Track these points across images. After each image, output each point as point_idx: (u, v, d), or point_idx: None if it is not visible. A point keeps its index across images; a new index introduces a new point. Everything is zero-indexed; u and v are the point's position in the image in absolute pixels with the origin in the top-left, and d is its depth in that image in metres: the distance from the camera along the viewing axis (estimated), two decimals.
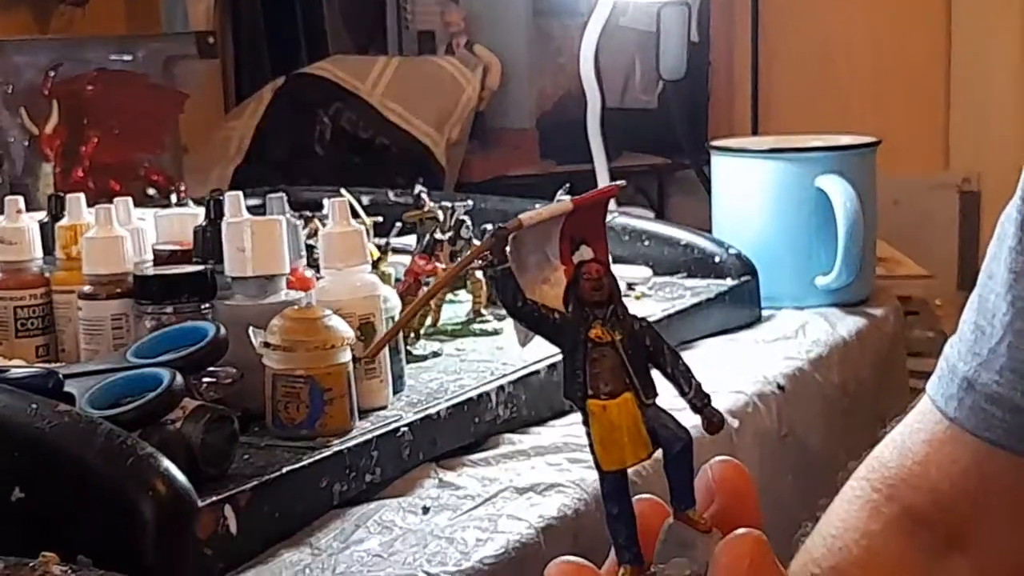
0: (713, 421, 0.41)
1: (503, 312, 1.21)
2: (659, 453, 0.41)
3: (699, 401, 0.42)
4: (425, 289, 1.14)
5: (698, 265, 1.40)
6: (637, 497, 0.43)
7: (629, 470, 0.42)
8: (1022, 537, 0.75)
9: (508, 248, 0.41)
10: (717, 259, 1.39)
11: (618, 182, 0.44)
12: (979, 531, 0.76)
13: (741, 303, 1.36)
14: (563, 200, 0.43)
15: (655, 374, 0.42)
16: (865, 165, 1.43)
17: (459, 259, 1.19)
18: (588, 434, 0.42)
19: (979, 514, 0.76)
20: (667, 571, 0.42)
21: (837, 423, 1.29)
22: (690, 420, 0.42)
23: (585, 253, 0.42)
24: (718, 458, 0.43)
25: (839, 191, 1.36)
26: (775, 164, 1.42)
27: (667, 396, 0.42)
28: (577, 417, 1.06)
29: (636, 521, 0.42)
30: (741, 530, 0.39)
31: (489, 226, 1.27)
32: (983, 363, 0.74)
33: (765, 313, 1.38)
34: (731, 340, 1.30)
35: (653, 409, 0.41)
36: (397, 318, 1.00)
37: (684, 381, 0.42)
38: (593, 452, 0.42)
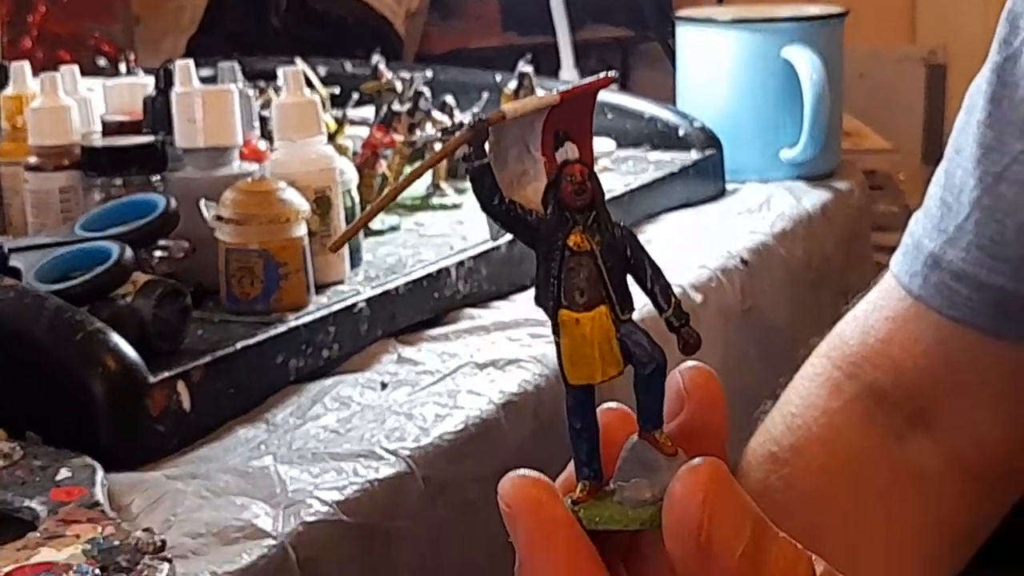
0: (689, 342, 0.39)
1: (462, 186, 1.20)
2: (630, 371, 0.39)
3: (677, 320, 0.39)
4: (384, 163, 1.12)
5: (662, 138, 1.38)
6: (604, 406, 0.41)
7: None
8: (984, 415, 0.75)
9: (487, 141, 0.38)
10: (681, 132, 1.37)
11: (609, 73, 0.41)
12: (941, 409, 0.75)
13: (705, 176, 1.34)
14: (549, 92, 0.40)
15: (633, 288, 0.40)
16: (832, 36, 1.41)
17: (424, 144, 1.16)
18: (557, 345, 0.39)
19: (942, 392, 0.75)
20: (626, 491, 0.40)
21: (801, 297, 1.28)
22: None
23: (569, 151, 0.40)
24: (689, 363, 0.41)
25: (806, 62, 1.34)
26: (741, 34, 1.39)
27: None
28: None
29: (599, 437, 0.40)
30: (697, 460, 0.37)
31: (449, 97, 1.25)
32: (949, 240, 0.73)
33: (730, 187, 1.37)
34: (695, 214, 1.29)
35: (628, 325, 0.39)
36: (354, 191, 0.98)
37: (663, 297, 0.39)
38: (561, 364, 0.39)
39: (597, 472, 0.40)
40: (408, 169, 1.17)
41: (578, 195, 0.39)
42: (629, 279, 0.39)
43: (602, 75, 0.41)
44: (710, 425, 0.41)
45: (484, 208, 0.39)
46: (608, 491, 0.40)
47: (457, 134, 0.38)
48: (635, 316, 0.39)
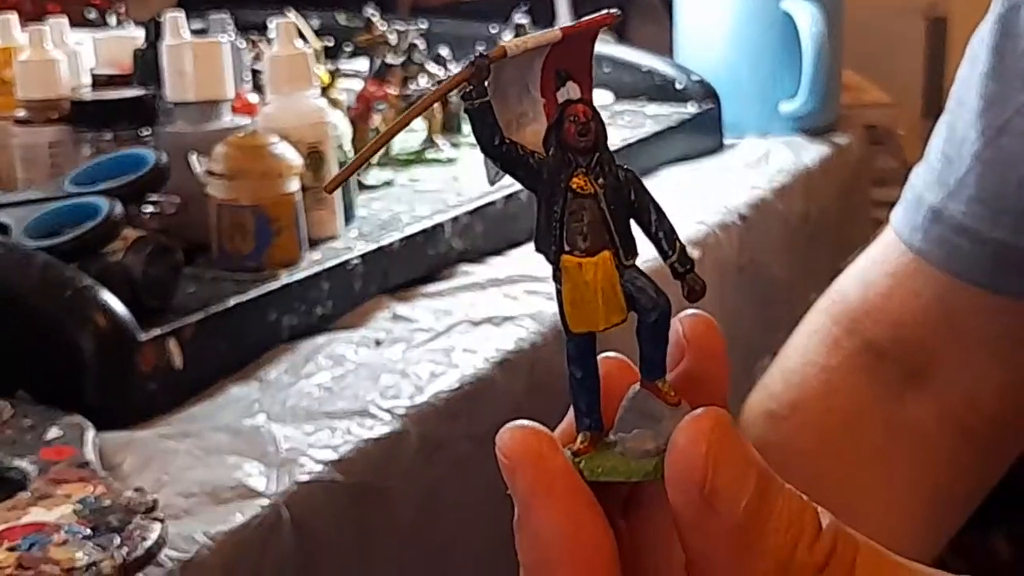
0: (695, 288, 0.38)
1: (458, 140, 1.19)
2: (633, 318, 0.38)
3: (682, 266, 0.38)
4: (378, 116, 1.11)
5: (659, 91, 1.36)
6: (603, 356, 0.40)
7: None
8: (981, 372, 0.74)
9: (488, 79, 0.37)
10: (679, 85, 1.35)
11: (612, 10, 0.40)
12: (940, 365, 0.75)
13: (704, 130, 1.33)
14: (551, 28, 0.39)
15: (636, 232, 0.39)
16: None
17: (418, 97, 1.15)
18: (558, 292, 0.38)
19: (940, 348, 0.74)
20: (628, 442, 0.39)
21: (799, 253, 1.27)
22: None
23: (571, 91, 0.38)
24: (690, 311, 0.40)
25: (805, 14, 1.32)
26: None
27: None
28: (534, 248, 1.05)
29: (600, 386, 0.39)
30: (700, 410, 0.36)
31: (444, 50, 1.23)
32: (950, 193, 0.72)
33: (728, 141, 1.36)
34: (693, 168, 1.28)
35: (632, 271, 0.38)
36: (347, 146, 0.96)
37: (668, 242, 0.38)
38: (562, 312, 0.38)
39: (598, 423, 0.39)
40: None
41: (581, 136, 0.38)
42: (632, 223, 0.38)
43: (604, 12, 0.39)
44: (711, 375, 0.40)
45: (484, 149, 0.38)
46: (609, 442, 0.39)
47: (458, 71, 0.37)
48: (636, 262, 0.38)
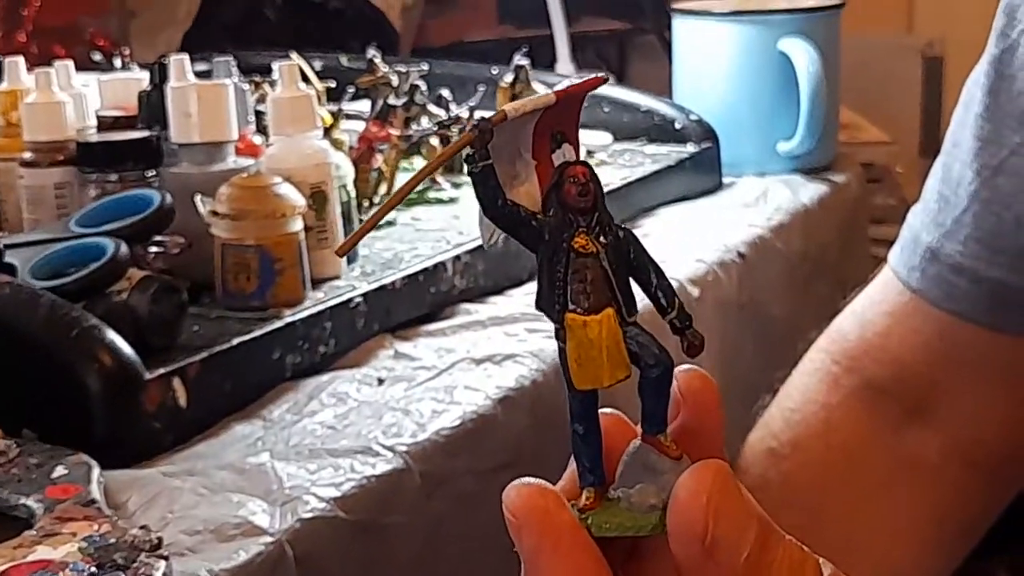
0: (694, 344, 0.39)
1: (459, 180, 1.19)
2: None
3: (680, 321, 0.39)
4: (380, 157, 1.12)
5: (658, 131, 1.37)
6: (600, 412, 0.41)
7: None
8: (982, 407, 0.75)
9: (491, 142, 0.38)
10: (678, 125, 1.36)
11: (601, 74, 0.41)
12: (940, 403, 0.75)
13: (702, 170, 1.34)
14: (546, 92, 0.39)
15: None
16: (829, 28, 1.40)
17: (420, 138, 1.16)
18: (561, 350, 0.39)
19: (940, 386, 0.75)
20: (633, 496, 0.39)
21: (798, 291, 1.28)
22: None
23: (567, 152, 0.39)
24: (685, 367, 0.40)
25: (802, 54, 1.33)
26: (737, 27, 1.38)
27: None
28: (535, 287, 1.05)
29: (602, 442, 0.40)
30: (699, 463, 0.37)
31: (445, 91, 1.24)
32: (947, 233, 0.73)
33: (726, 180, 1.36)
34: (692, 207, 1.29)
35: (634, 327, 0.38)
36: (349, 186, 0.97)
37: (667, 299, 0.39)
38: (566, 369, 0.39)
39: (601, 478, 0.40)
40: (405, 164, 1.16)
41: (581, 196, 0.38)
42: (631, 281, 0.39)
43: (594, 75, 0.40)
44: (706, 428, 0.41)
45: (487, 210, 0.38)
46: (613, 497, 0.39)
47: (459, 135, 0.38)
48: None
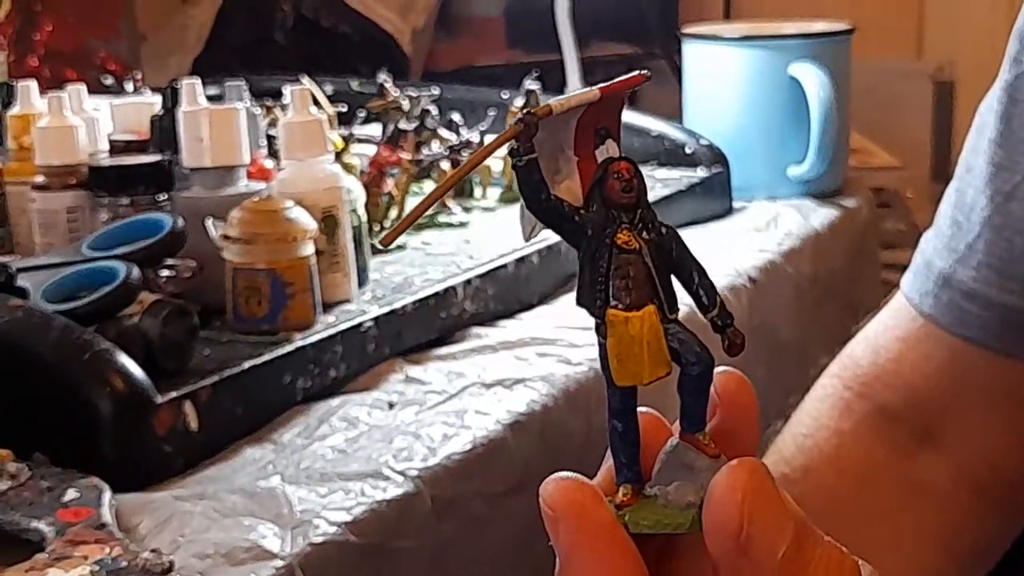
0: (735, 342, 0.38)
1: (470, 204, 1.20)
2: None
3: (721, 320, 0.38)
4: (391, 181, 1.12)
5: (669, 155, 1.37)
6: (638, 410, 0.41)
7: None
8: (994, 433, 0.75)
9: (535, 136, 0.38)
10: (688, 149, 1.36)
11: (643, 71, 0.41)
12: (952, 428, 0.75)
13: (712, 194, 1.34)
14: (590, 88, 0.39)
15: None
16: (839, 53, 1.41)
17: (431, 163, 1.16)
18: (602, 346, 0.38)
19: (953, 411, 0.75)
20: (670, 494, 0.39)
21: (809, 315, 1.28)
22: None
23: (610, 149, 0.39)
24: (721, 368, 0.40)
25: (813, 79, 1.33)
26: (747, 51, 1.39)
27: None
28: (545, 310, 1.06)
29: (640, 439, 0.40)
30: (735, 461, 0.37)
31: (456, 115, 1.25)
32: (960, 259, 0.72)
33: (737, 204, 1.37)
34: (702, 231, 1.29)
35: (675, 325, 0.38)
36: (360, 210, 0.98)
37: (708, 298, 0.39)
38: (606, 366, 0.38)
39: (638, 475, 0.40)
40: (415, 188, 1.17)
41: (625, 193, 0.38)
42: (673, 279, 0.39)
43: (636, 72, 0.40)
44: (742, 430, 0.41)
45: (530, 205, 0.38)
46: (650, 495, 0.39)
47: (506, 129, 0.38)
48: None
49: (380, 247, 0.95)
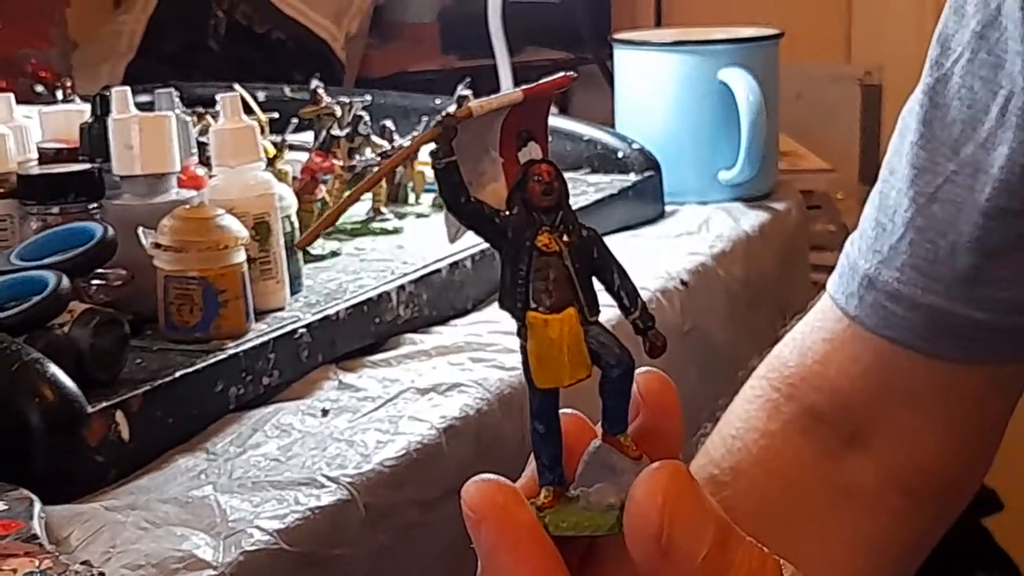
0: (657, 344, 0.39)
1: (403, 210, 1.20)
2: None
3: (643, 322, 0.39)
4: (323, 188, 1.12)
5: (601, 160, 1.38)
6: (561, 412, 0.41)
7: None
8: (921, 434, 0.76)
9: (455, 138, 0.38)
10: (620, 154, 1.37)
11: (569, 73, 0.41)
12: (880, 429, 0.76)
13: (644, 198, 1.35)
14: (513, 90, 0.39)
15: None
16: (768, 58, 1.42)
17: (363, 169, 1.16)
18: (523, 348, 0.38)
19: (880, 412, 0.76)
20: (591, 496, 0.39)
21: (740, 317, 1.29)
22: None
23: (533, 151, 0.39)
24: (643, 368, 0.41)
25: (742, 84, 1.35)
26: (677, 57, 1.40)
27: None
28: (480, 316, 1.06)
29: (562, 441, 0.40)
30: (656, 463, 0.37)
31: (388, 122, 1.24)
32: (884, 260, 0.74)
33: (668, 208, 1.38)
34: (634, 236, 1.30)
35: (596, 327, 0.39)
36: (293, 217, 0.97)
37: (630, 299, 0.39)
38: (527, 368, 0.39)
39: (560, 477, 0.40)
40: (348, 194, 1.16)
41: (546, 195, 0.39)
42: (595, 281, 0.39)
43: (562, 74, 0.41)
44: (665, 430, 0.41)
45: (450, 207, 0.38)
46: (572, 496, 0.40)
47: (425, 130, 0.38)
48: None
49: (296, 249, 0.94)
